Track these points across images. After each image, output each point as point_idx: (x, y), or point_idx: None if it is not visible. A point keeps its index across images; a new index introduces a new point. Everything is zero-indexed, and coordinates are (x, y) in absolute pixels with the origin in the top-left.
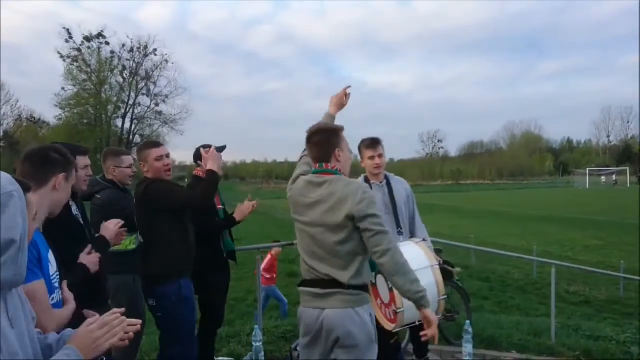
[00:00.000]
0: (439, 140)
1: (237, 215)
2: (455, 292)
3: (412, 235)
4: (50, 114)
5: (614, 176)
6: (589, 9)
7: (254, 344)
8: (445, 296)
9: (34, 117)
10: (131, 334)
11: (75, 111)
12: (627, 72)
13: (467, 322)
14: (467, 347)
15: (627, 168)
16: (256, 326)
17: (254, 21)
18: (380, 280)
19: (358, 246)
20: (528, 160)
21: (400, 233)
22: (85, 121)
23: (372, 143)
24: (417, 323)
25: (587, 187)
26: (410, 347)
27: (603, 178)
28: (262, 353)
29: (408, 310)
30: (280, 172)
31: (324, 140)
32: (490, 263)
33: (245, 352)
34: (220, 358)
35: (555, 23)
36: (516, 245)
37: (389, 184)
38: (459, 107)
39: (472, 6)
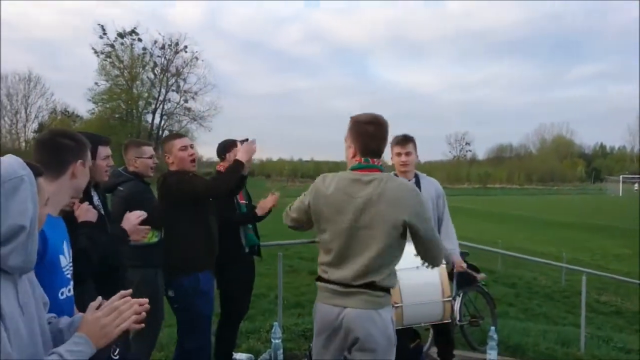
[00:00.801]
0: (466, 143)
1: (259, 211)
2: (480, 296)
3: (443, 238)
4: (84, 108)
5: None
6: (629, 12)
7: (273, 340)
8: (451, 298)
9: (68, 111)
10: (143, 313)
11: (108, 106)
12: None
13: (492, 328)
14: (492, 354)
15: None
16: (275, 323)
17: (283, 19)
18: None
19: (398, 249)
20: (559, 165)
21: None
22: (116, 116)
23: (402, 140)
24: (423, 325)
25: (620, 194)
26: (433, 350)
27: (636, 185)
28: (281, 350)
29: (408, 308)
30: (305, 171)
31: (381, 132)
32: (516, 268)
33: (264, 348)
34: (239, 354)
35: (592, 25)
36: (544, 251)
37: (417, 183)
38: (488, 110)
39: (505, 6)
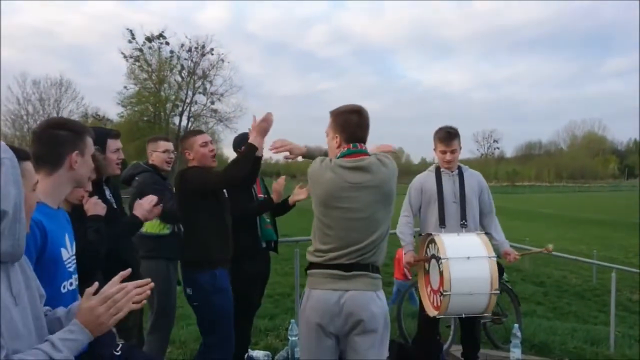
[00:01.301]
0: (494, 141)
1: (275, 196)
2: (504, 294)
3: (488, 232)
4: (113, 111)
5: None
6: None
7: (289, 338)
8: (498, 291)
9: (99, 115)
10: (144, 294)
11: (136, 109)
12: None
13: (516, 325)
14: (515, 352)
15: None
16: (292, 320)
17: (309, 21)
18: (433, 266)
19: (388, 229)
20: (590, 161)
21: (463, 225)
22: (145, 118)
23: (447, 137)
24: (464, 316)
25: None
26: (453, 348)
27: None
28: (298, 348)
29: (455, 297)
30: None
31: (365, 121)
32: (545, 267)
33: (282, 346)
34: (256, 351)
35: (625, 18)
36: (574, 249)
37: (460, 174)
38: (516, 107)
39: (532, 3)
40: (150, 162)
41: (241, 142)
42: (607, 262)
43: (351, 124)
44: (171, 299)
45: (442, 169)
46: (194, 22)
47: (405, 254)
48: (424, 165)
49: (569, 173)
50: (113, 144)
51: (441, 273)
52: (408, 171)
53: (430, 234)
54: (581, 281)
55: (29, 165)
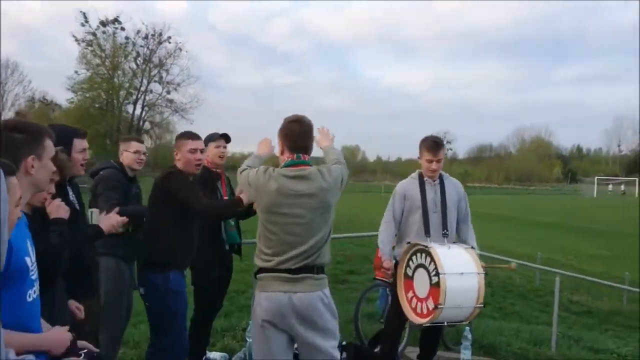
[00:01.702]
0: (448, 142)
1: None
2: None
3: (463, 239)
4: (62, 96)
5: (622, 186)
6: (614, 14)
7: (247, 339)
8: (482, 304)
9: (46, 99)
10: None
11: (88, 95)
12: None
13: (467, 328)
14: (465, 354)
15: (637, 178)
16: (251, 321)
17: (271, 14)
18: (421, 275)
19: (329, 233)
20: (537, 165)
21: (445, 235)
22: (97, 105)
23: (433, 147)
24: (446, 324)
25: (595, 195)
26: (408, 350)
27: (610, 187)
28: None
29: (447, 310)
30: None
31: (306, 130)
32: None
33: (239, 347)
34: (213, 353)
35: (578, 28)
36: (520, 251)
37: (442, 183)
38: (471, 109)
39: (493, 7)
40: (120, 160)
41: (209, 141)
42: (549, 263)
43: (293, 133)
44: (122, 300)
45: (425, 177)
46: (152, 9)
47: (384, 260)
48: (379, 163)
49: (517, 176)
50: (79, 144)
51: (435, 285)
52: (363, 169)
53: (421, 245)
54: (525, 282)
55: (14, 180)
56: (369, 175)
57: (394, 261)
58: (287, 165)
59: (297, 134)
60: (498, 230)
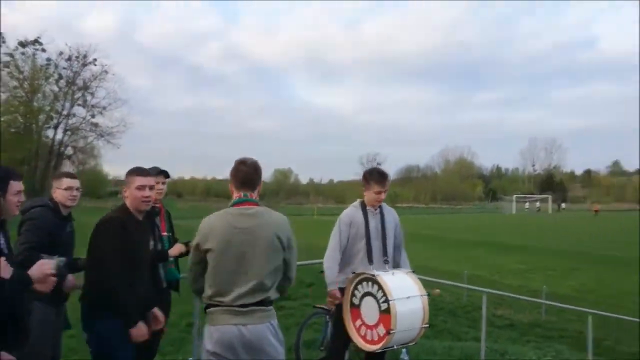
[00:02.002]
0: (378, 163)
1: (172, 251)
2: None
3: (397, 265)
4: None
5: (537, 203)
6: (526, 43)
7: None
8: (428, 324)
9: None
10: None
11: (3, 119)
12: (553, 106)
13: (404, 350)
14: None
15: (549, 196)
16: (190, 359)
17: (202, 36)
18: (369, 303)
19: (280, 269)
20: (460, 185)
21: (386, 262)
22: (12, 130)
23: (382, 179)
24: (395, 348)
25: (513, 212)
26: None
27: (527, 204)
28: None
29: (398, 334)
30: (219, 190)
31: (255, 170)
32: (426, 286)
33: None
34: None
35: (494, 55)
36: (448, 268)
37: (382, 212)
38: (399, 131)
39: (417, 34)
40: (53, 198)
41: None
42: (475, 280)
43: (239, 172)
44: (47, 346)
45: (368, 207)
46: (77, 30)
47: (329, 290)
48: (312, 186)
49: (442, 195)
50: (15, 185)
51: (384, 312)
52: (295, 192)
53: (367, 274)
54: (454, 299)
55: None
56: (301, 197)
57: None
58: (234, 204)
59: (243, 173)
60: (427, 249)
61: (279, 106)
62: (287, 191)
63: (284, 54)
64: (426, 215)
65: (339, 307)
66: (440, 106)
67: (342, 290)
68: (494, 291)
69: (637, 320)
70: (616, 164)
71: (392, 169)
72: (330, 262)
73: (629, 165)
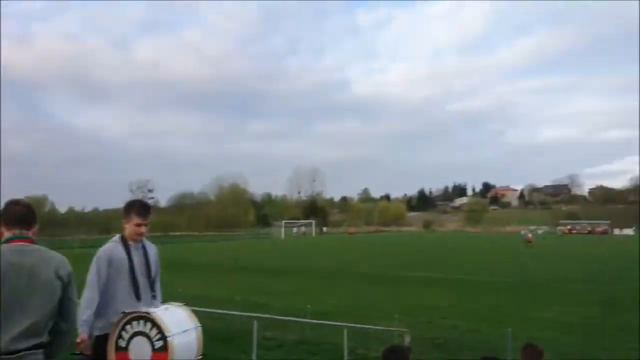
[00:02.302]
0: (149, 190)
1: None
2: None
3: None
4: None
5: (303, 227)
6: (293, 81)
7: None
8: (202, 356)
9: None
10: None
11: None
12: (315, 138)
13: None
14: None
15: (313, 220)
16: None
17: None
18: (140, 343)
19: (56, 308)
20: (234, 211)
21: (154, 297)
22: None
23: (144, 210)
24: None
25: (282, 237)
26: None
27: (295, 229)
28: None
29: None
30: None
31: (28, 209)
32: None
33: None
34: None
35: (264, 89)
36: (221, 295)
37: (144, 247)
38: (172, 158)
39: (192, 61)
40: None
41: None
42: (249, 304)
43: (13, 212)
44: None
45: (129, 241)
46: None
47: (80, 332)
48: (72, 214)
49: (217, 222)
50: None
51: (159, 349)
52: (52, 222)
53: (140, 312)
54: (227, 325)
55: None
56: (60, 229)
57: (93, 333)
58: (7, 240)
59: (17, 212)
60: (201, 277)
61: (34, 125)
62: (41, 222)
63: (42, 68)
64: (200, 243)
65: (99, 352)
66: (214, 135)
67: (104, 336)
68: (263, 315)
69: (380, 328)
70: (365, 191)
71: (164, 197)
72: (84, 302)
73: (375, 193)
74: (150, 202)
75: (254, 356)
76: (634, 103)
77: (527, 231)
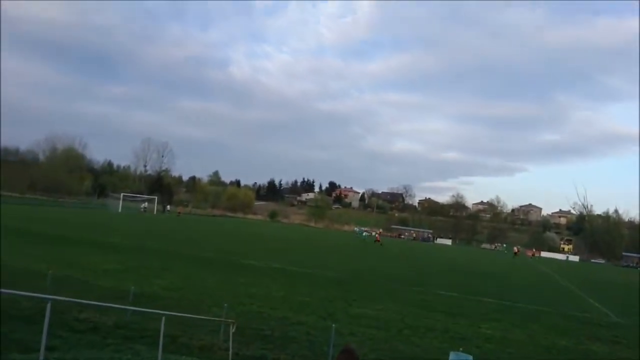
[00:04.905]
0: None
1: None
2: None
3: None
4: None
5: (145, 203)
6: (169, 48)
7: None
8: None
9: None
10: None
11: None
12: (175, 113)
13: None
14: None
15: (156, 197)
16: None
17: None
18: None
19: None
20: (67, 177)
21: None
22: None
23: None
24: None
25: (120, 211)
26: None
27: (138, 205)
28: None
29: None
30: None
31: None
32: None
33: None
34: None
35: (134, 50)
36: (35, 267)
37: None
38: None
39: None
40: None
41: None
42: (64, 280)
43: None
44: None
45: None
46: None
47: None
48: None
49: (44, 186)
50: None
51: None
52: None
53: None
54: (33, 305)
55: None
56: None
57: None
58: None
59: None
60: (10, 244)
61: None
62: None
63: None
64: (19, 206)
65: None
66: (59, 89)
67: None
68: (60, 298)
69: (202, 317)
70: (216, 174)
71: None
72: None
73: (226, 177)
74: None
75: (42, 344)
76: (472, 130)
77: (363, 230)
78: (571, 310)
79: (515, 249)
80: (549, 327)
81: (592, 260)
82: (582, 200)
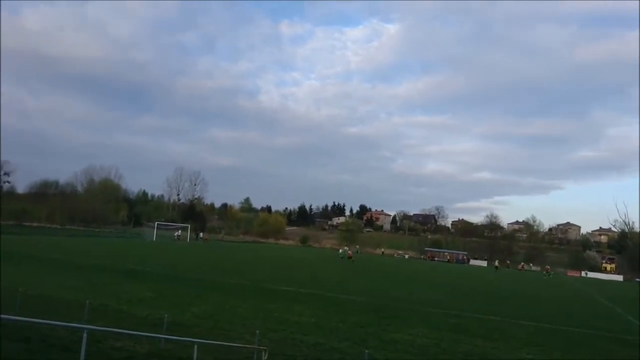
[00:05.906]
0: (5, 173)
1: None
2: None
3: None
4: None
5: (178, 231)
6: (200, 80)
7: None
8: None
9: None
10: None
11: None
12: (207, 142)
13: None
14: None
15: (189, 225)
16: None
17: None
18: None
19: None
20: (104, 207)
21: None
22: None
23: None
24: None
25: (154, 239)
26: None
27: (172, 233)
28: None
29: None
30: None
31: None
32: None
33: None
34: None
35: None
36: (73, 298)
37: None
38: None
39: (88, 37)
40: None
41: None
42: (99, 310)
43: None
44: None
45: None
46: None
47: None
48: None
49: (82, 217)
50: None
51: None
52: None
53: None
54: (69, 333)
55: None
56: None
57: None
58: None
59: None
60: (49, 275)
61: None
62: None
63: None
64: (59, 238)
65: None
66: (97, 122)
67: None
68: (95, 327)
69: (235, 345)
70: (247, 200)
71: (23, 183)
72: None
73: (257, 203)
74: (4, 185)
75: None
76: (505, 149)
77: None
78: (620, 333)
79: (547, 267)
80: (593, 350)
81: (637, 279)
82: (623, 217)
